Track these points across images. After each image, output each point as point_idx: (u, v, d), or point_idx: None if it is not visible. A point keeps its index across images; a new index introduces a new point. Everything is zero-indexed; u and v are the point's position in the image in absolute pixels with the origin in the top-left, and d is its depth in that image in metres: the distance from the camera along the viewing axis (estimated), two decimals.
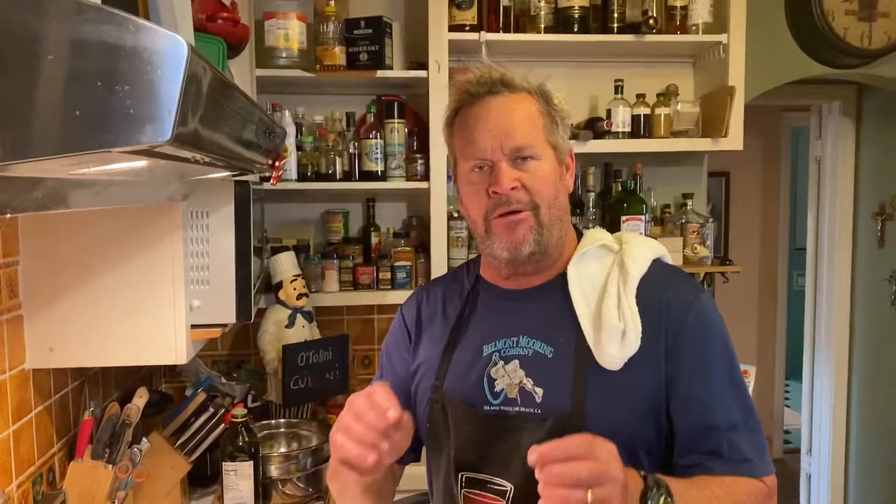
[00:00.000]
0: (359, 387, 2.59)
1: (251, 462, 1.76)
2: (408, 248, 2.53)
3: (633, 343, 1.09)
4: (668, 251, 1.25)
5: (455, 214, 2.52)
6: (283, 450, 2.08)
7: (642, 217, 2.53)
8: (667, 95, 2.59)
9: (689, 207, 2.69)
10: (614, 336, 1.09)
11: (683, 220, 2.65)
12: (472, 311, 1.26)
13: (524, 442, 1.10)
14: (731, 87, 2.46)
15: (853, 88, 3.57)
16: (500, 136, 1.13)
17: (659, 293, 1.14)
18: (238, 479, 1.75)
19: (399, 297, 2.48)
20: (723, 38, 2.49)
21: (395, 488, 1.32)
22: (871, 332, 3.62)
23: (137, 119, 0.60)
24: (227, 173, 1.41)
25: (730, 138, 2.49)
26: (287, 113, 2.38)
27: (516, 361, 1.16)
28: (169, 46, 0.60)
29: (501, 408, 1.15)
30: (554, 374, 1.12)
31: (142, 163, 0.78)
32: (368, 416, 0.95)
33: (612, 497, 0.85)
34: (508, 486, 1.12)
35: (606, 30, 2.51)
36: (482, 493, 1.14)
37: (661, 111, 2.54)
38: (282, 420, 2.18)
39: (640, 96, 2.55)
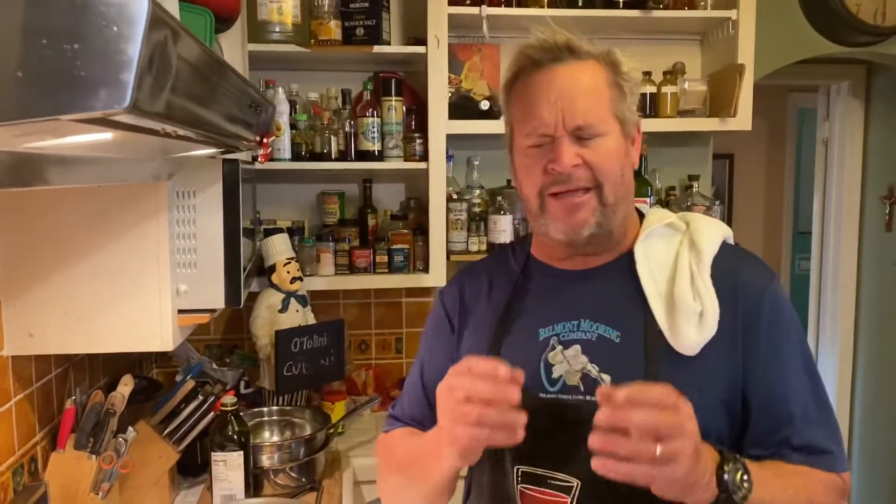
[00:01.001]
0: (354, 373, 2.53)
1: (241, 452, 1.70)
2: (406, 231, 2.46)
3: (712, 325, 1.02)
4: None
5: (454, 196, 2.45)
6: (275, 439, 2.02)
7: (647, 199, 2.46)
8: (673, 73, 2.51)
9: (694, 190, 2.62)
10: (692, 318, 1.02)
11: (689, 203, 2.57)
12: (524, 294, 1.17)
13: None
14: (740, 64, 2.37)
15: (862, 68, 3.48)
16: (563, 109, 1.03)
17: (733, 274, 1.07)
18: (227, 469, 1.69)
19: (396, 280, 2.42)
20: (732, 13, 2.40)
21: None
22: (878, 317, 3.56)
23: (90, 82, 0.53)
24: (212, 150, 1.33)
25: (738, 118, 2.41)
26: (280, 90, 2.30)
27: (577, 346, 1.07)
28: None
29: (559, 396, 1.06)
30: (623, 360, 1.05)
31: (106, 135, 0.71)
32: (498, 393, 0.89)
33: (682, 453, 0.81)
34: (574, 482, 1.03)
35: (612, 4, 2.42)
36: (543, 489, 1.06)
37: (668, 90, 2.45)
38: (274, 407, 2.11)
39: (647, 74, 2.47)
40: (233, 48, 2.01)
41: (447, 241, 2.40)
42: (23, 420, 1.52)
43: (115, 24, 0.53)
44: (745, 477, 0.89)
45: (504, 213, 2.42)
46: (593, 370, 1.05)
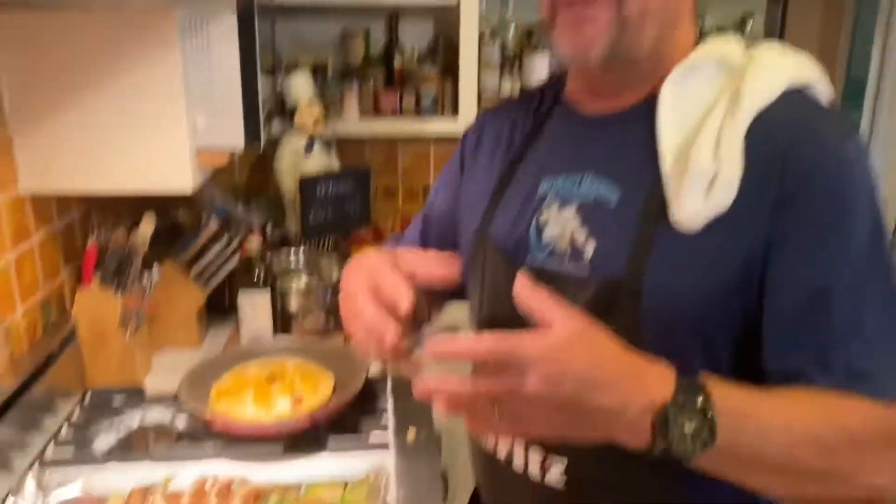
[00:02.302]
0: (381, 219, 2.50)
1: (268, 295, 1.69)
2: (434, 72, 2.32)
3: (724, 197, 0.78)
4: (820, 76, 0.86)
5: (487, 34, 2.28)
6: (302, 282, 2.01)
7: None
8: None
9: (748, 31, 2.42)
10: (699, 183, 0.78)
11: None
12: (538, 139, 0.98)
13: None
14: None
15: None
16: None
17: (782, 135, 0.79)
18: (254, 311, 1.69)
19: (423, 126, 2.32)
20: None
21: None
22: None
23: None
24: None
25: None
26: None
27: (575, 205, 0.89)
28: None
29: (545, 266, 0.90)
30: (613, 226, 0.85)
31: None
32: (379, 328, 0.82)
33: (529, 412, 0.66)
34: None
35: None
36: None
37: None
38: (301, 252, 2.09)
39: None
40: None
41: (478, 83, 2.27)
42: (47, 259, 1.51)
43: None
44: (696, 428, 0.65)
45: (541, 53, 2.26)
46: (581, 235, 0.87)
